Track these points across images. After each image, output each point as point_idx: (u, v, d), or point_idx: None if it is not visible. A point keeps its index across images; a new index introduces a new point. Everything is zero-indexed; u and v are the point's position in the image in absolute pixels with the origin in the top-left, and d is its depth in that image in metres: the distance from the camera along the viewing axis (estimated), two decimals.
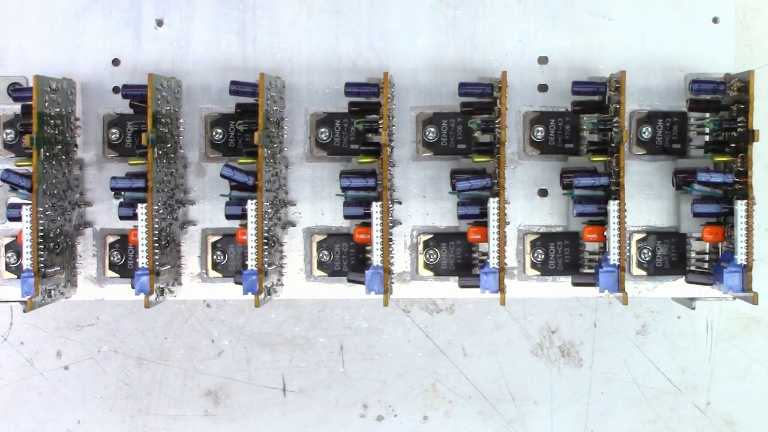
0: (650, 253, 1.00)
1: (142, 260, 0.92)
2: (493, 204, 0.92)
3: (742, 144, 0.93)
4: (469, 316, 1.16)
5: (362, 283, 0.94)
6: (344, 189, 0.96)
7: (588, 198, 0.96)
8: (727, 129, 0.96)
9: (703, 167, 0.96)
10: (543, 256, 1.00)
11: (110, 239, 1.01)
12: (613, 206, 0.92)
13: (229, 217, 0.96)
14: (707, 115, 0.97)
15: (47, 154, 0.93)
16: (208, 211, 1.01)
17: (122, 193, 0.96)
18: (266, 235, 0.93)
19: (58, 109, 0.95)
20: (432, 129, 1.00)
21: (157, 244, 0.93)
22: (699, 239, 0.98)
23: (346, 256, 1.01)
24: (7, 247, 1.00)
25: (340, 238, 1.01)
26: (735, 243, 0.92)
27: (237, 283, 0.97)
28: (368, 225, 0.94)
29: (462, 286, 0.98)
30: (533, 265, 1.01)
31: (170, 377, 1.16)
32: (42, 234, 0.92)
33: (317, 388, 1.16)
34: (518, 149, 1.00)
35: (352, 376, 1.16)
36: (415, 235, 1.01)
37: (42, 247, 0.92)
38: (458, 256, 1.00)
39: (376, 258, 0.93)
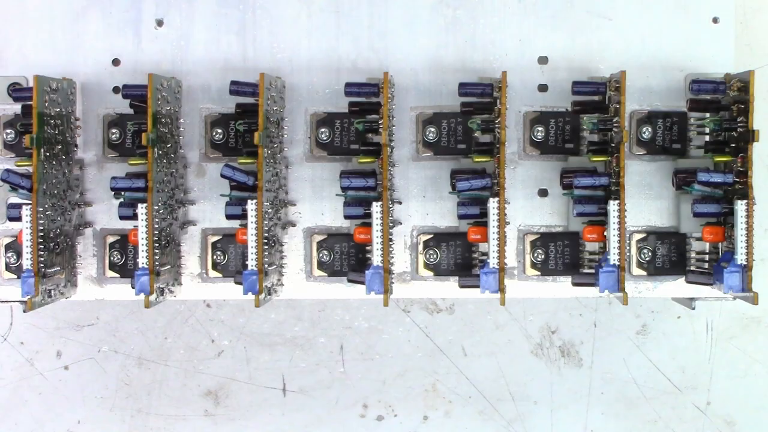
0: (650, 253, 1.00)
1: (142, 260, 0.92)
2: (493, 204, 0.92)
3: (742, 144, 0.93)
4: (469, 316, 1.16)
5: (362, 283, 0.94)
6: (344, 189, 0.96)
7: (588, 198, 0.96)
8: (727, 129, 0.96)
9: (703, 167, 0.96)
10: (543, 256, 1.00)
11: (110, 239, 1.01)
12: (613, 206, 0.92)
13: (229, 217, 0.96)
14: (707, 115, 0.97)
15: (47, 154, 0.93)
16: (208, 211, 1.01)
17: (122, 193, 0.96)
18: (266, 235, 0.93)
19: (58, 109, 0.95)
20: (432, 129, 1.00)
21: (157, 244, 0.93)
22: (699, 239, 0.98)
23: (346, 256, 1.01)
24: (7, 247, 1.00)
25: (340, 238, 1.01)
26: (735, 243, 0.92)
27: (237, 283, 0.97)
28: (368, 225, 0.94)
29: (462, 286, 0.98)
30: (533, 265, 1.01)
31: (170, 377, 1.16)
32: (42, 234, 0.92)
33: (317, 388, 1.16)
34: (518, 149, 1.00)
35: (352, 376, 1.16)
36: (415, 235, 1.01)
37: (42, 247, 0.92)
38: (458, 256, 1.00)
39: (376, 258, 0.93)
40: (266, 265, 0.93)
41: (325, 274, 1.01)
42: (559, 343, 1.16)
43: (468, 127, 0.98)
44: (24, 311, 0.92)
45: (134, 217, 0.93)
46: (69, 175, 0.98)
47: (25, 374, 1.16)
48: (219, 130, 1.00)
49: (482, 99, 0.96)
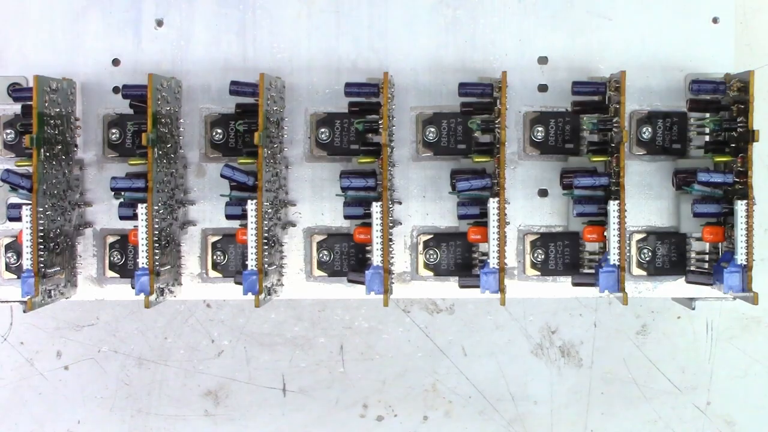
0: (650, 253, 1.00)
1: (142, 260, 0.92)
2: (493, 204, 0.92)
3: (742, 144, 0.93)
4: (469, 316, 1.16)
5: (362, 283, 0.94)
6: (344, 189, 0.96)
7: (588, 198, 0.96)
8: (727, 129, 0.96)
9: (703, 167, 0.96)
10: (543, 256, 1.00)
11: (110, 239, 1.01)
12: (613, 206, 0.92)
13: (229, 217, 0.96)
14: (707, 115, 0.97)
15: (47, 154, 0.93)
16: (208, 211, 1.01)
17: (122, 193, 0.96)
18: (266, 235, 0.93)
19: (58, 109, 0.95)
20: (432, 129, 1.00)
21: (157, 244, 0.93)
22: (699, 239, 0.98)
23: (346, 256, 1.01)
24: (7, 247, 1.00)
25: (340, 238, 1.01)
26: (735, 243, 0.92)
27: (237, 283, 0.97)
28: (368, 225, 0.94)
29: (462, 286, 0.98)
30: (533, 265, 1.01)
31: (170, 377, 1.16)
32: (42, 234, 0.92)
33: (317, 388, 1.16)
34: (518, 149, 1.00)
35: (352, 376, 1.16)
36: (415, 235, 1.01)
37: (42, 247, 0.92)
38: (458, 256, 1.00)
39: (376, 258, 0.93)
40: (266, 265, 0.93)
41: (325, 274, 1.01)
42: (559, 343, 1.16)
43: (468, 127, 0.98)
44: (24, 311, 0.92)
45: (134, 217, 0.93)
46: (69, 175, 0.98)
47: (25, 374, 1.16)
48: (219, 130, 1.00)
49: (482, 99, 0.96)
